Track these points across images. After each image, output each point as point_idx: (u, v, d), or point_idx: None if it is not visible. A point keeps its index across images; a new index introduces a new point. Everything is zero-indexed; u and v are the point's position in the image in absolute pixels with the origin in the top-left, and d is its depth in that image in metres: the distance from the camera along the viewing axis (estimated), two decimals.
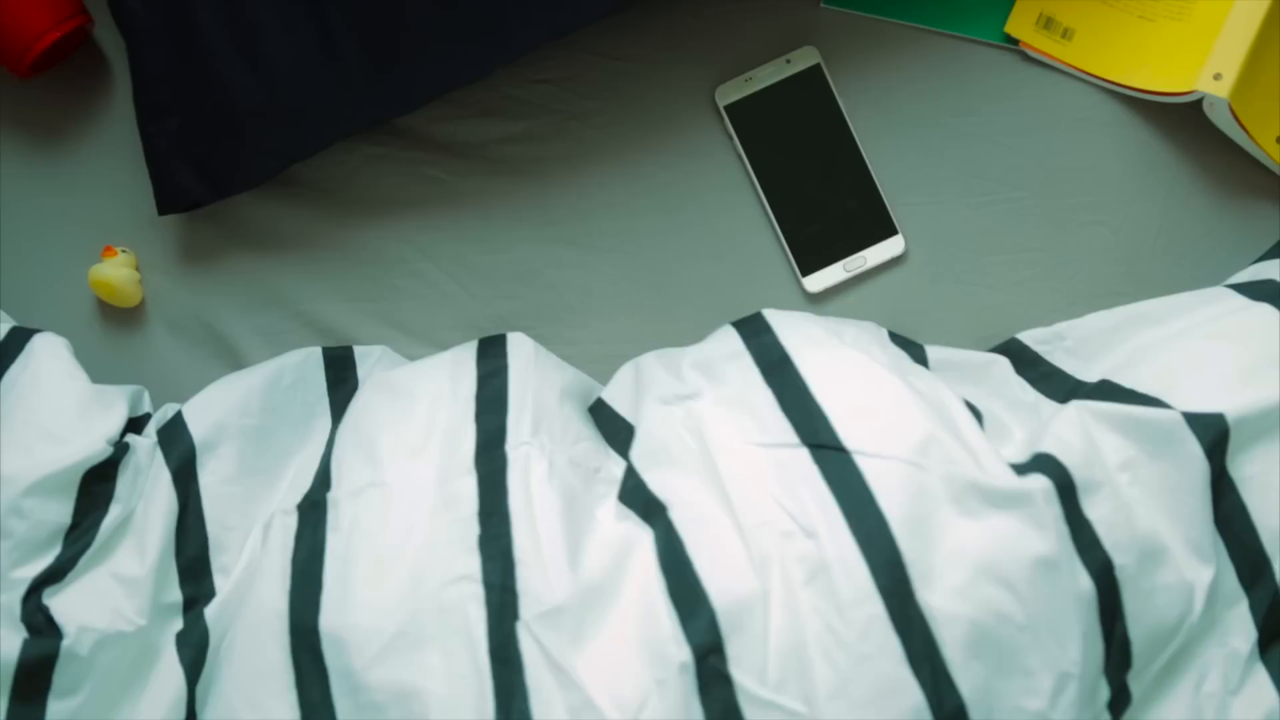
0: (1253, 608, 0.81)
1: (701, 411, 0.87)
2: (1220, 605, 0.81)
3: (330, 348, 0.98)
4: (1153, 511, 0.80)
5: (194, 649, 0.84)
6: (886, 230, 1.01)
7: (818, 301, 1.01)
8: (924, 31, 1.01)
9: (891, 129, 1.01)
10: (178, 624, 0.86)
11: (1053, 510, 0.78)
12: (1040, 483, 0.78)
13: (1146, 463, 0.81)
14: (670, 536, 0.80)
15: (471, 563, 0.80)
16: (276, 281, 1.02)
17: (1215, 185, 1.00)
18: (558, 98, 1.02)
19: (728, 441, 0.84)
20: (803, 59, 1.01)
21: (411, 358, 1.00)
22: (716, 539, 0.79)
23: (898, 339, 0.95)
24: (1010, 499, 0.78)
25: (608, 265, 1.02)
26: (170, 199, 0.99)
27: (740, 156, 1.01)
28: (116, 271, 0.99)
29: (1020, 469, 0.80)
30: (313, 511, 0.86)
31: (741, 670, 0.75)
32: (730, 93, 1.01)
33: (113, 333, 1.02)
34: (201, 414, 0.91)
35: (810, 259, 1.01)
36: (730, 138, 1.01)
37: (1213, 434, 0.80)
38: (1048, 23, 1.00)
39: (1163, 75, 0.97)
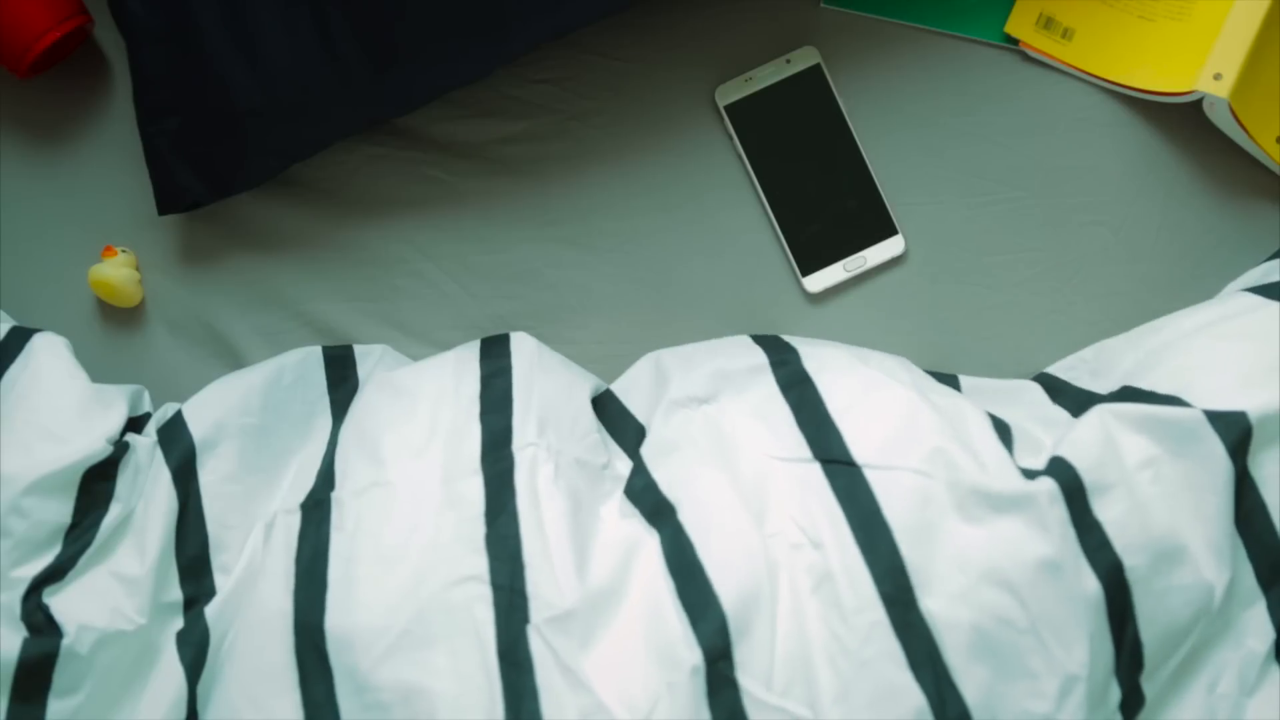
0: (1270, 608, 0.81)
1: (719, 418, 0.87)
2: (1237, 605, 0.81)
3: (330, 347, 0.98)
4: (1173, 510, 0.79)
5: (194, 648, 0.84)
6: (886, 230, 1.01)
7: (818, 302, 1.01)
8: (924, 31, 1.01)
9: (891, 129, 1.01)
10: (178, 623, 0.86)
11: (1057, 512, 0.78)
12: (1045, 485, 0.78)
13: (1168, 461, 0.80)
14: (679, 539, 0.81)
15: (479, 563, 0.80)
16: (276, 281, 1.02)
17: (1215, 185, 1.00)
18: (558, 98, 1.02)
19: (743, 450, 0.85)
20: (803, 59, 1.01)
21: (412, 357, 1.00)
22: (727, 543, 0.80)
23: (934, 375, 0.95)
24: (1014, 503, 0.78)
25: (608, 265, 1.02)
26: (170, 199, 0.99)
27: (740, 156, 1.01)
28: (116, 271, 0.99)
29: (1033, 474, 0.80)
30: (316, 511, 0.86)
31: (748, 675, 0.75)
32: (730, 93, 1.01)
33: (113, 333, 1.02)
34: (201, 413, 0.91)
35: (810, 259, 1.01)
36: (730, 138, 1.01)
37: (1235, 433, 0.80)
38: (1048, 23, 1.00)
39: (1163, 75, 0.97)
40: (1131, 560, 0.78)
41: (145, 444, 0.89)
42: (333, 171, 1.02)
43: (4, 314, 0.98)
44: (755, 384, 0.90)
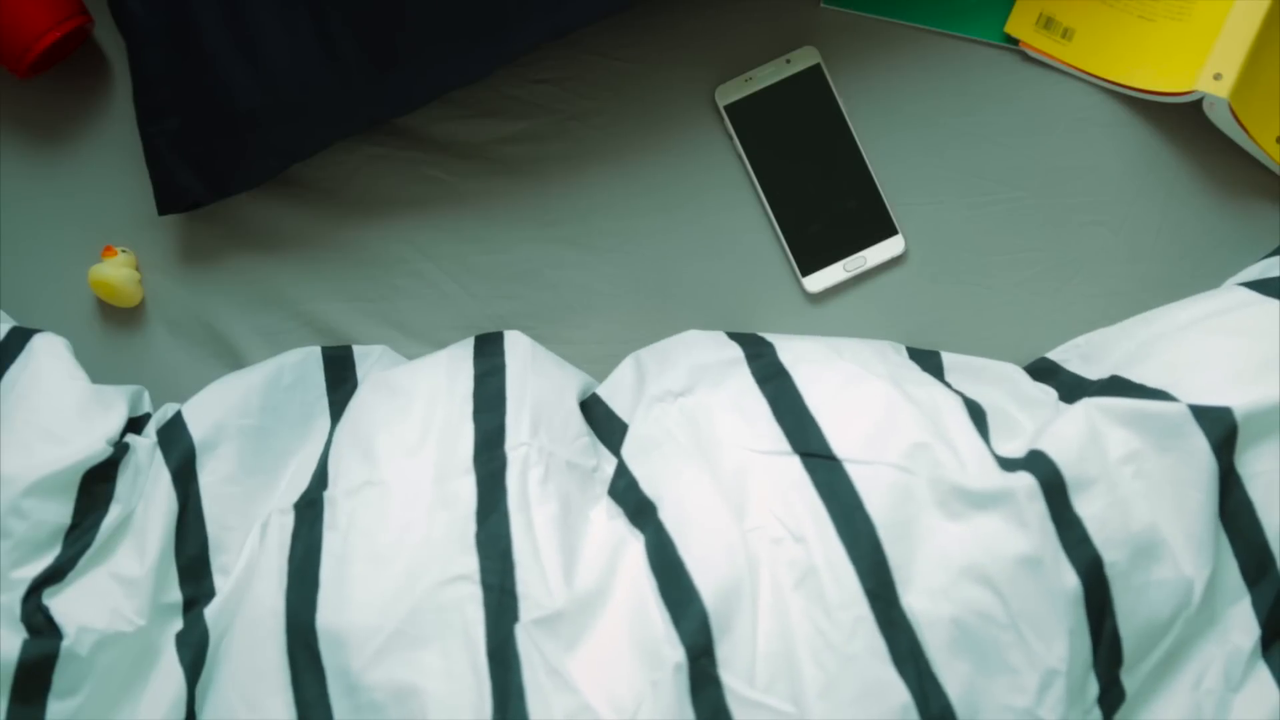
0: (1255, 604, 0.81)
1: (696, 411, 0.87)
2: (1221, 601, 0.81)
3: (330, 347, 0.98)
4: (1154, 505, 0.80)
5: (194, 649, 0.84)
6: (886, 230, 1.01)
7: (818, 302, 1.01)
8: (924, 31, 1.01)
9: (891, 129, 1.01)
10: (177, 624, 0.86)
11: (1036, 508, 0.78)
12: (1024, 481, 0.79)
13: (1151, 456, 0.81)
14: (661, 537, 0.81)
15: (469, 562, 0.80)
16: (276, 281, 1.02)
17: (1215, 185, 1.00)
18: (558, 98, 1.02)
19: (721, 444, 0.85)
20: (803, 59, 1.01)
21: (411, 358, 1.00)
22: (707, 540, 0.80)
23: (915, 352, 0.96)
24: (993, 499, 0.78)
25: (608, 265, 1.02)
26: (170, 199, 0.99)
27: (740, 156, 1.01)
28: (116, 271, 0.99)
29: (1013, 465, 0.81)
30: (309, 510, 0.86)
31: (730, 673, 0.76)
32: (730, 93, 1.01)
33: (113, 333, 1.02)
34: (201, 414, 0.91)
35: (810, 259, 1.01)
36: (730, 138, 1.01)
37: (1220, 429, 0.80)
38: (1048, 23, 1.00)
39: (1163, 75, 0.97)
40: (1111, 556, 0.78)
41: (145, 445, 0.89)
42: (333, 171, 1.02)
43: (4, 314, 0.98)
44: (731, 376, 0.90)
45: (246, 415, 0.92)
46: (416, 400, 0.89)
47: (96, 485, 0.86)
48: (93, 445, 0.86)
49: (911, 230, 1.01)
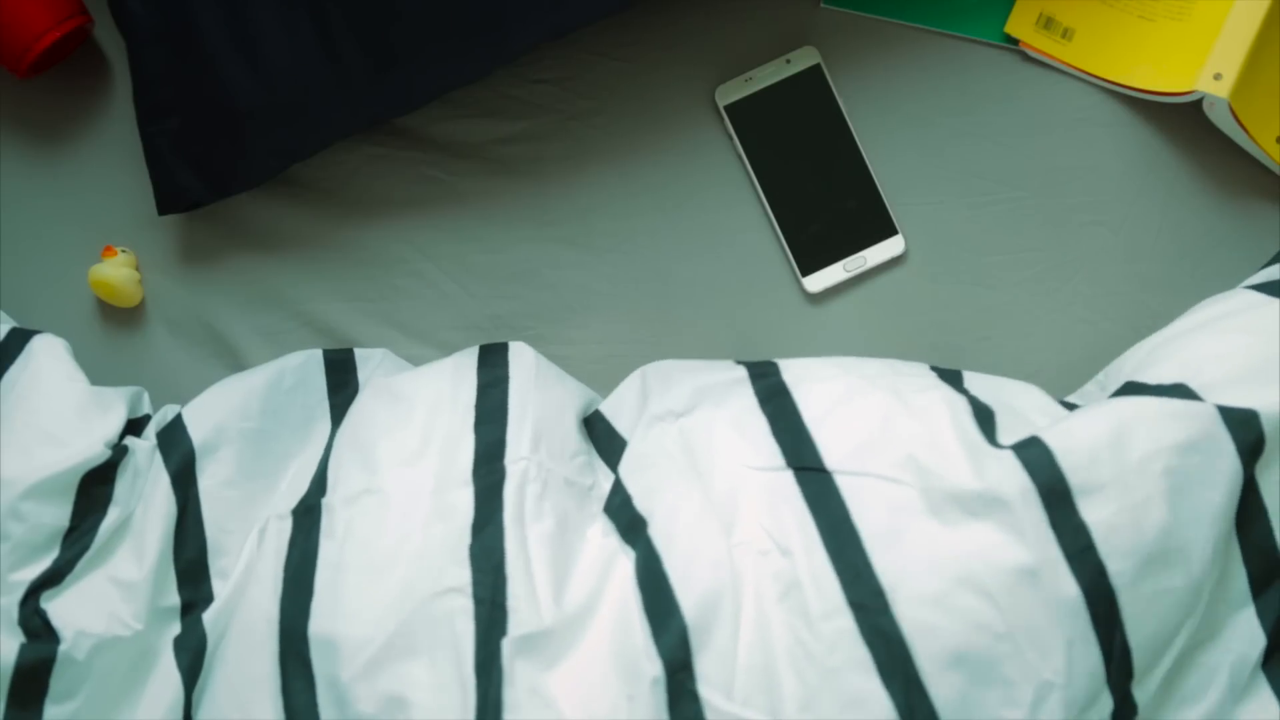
0: (1261, 614, 0.80)
1: (694, 430, 0.87)
2: (1226, 610, 0.80)
3: (331, 350, 0.98)
4: (1175, 507, 0.77)
5: (191, 654, 0.84)
6: (886, 230, 1.01)
7: (818, 302, 1.01)
8: (924, 31, 1.01)
9: (891, 129, 1.01)
10: (175, 628, 0.86)
11: (1033, 515, 0.76)
12: (1017, 483, 0.77)
13: (1180, 454, 0.78)
14: (649, 552, 0.81)
15: (462, 574, 0.80)
16: (276, 281, 1.02)
17: (1215, 185, 1.00)
18: (558, 98, 1.02)
19: (717, 461, 0.84)
20: (803, 59, 1.01)
21: (411, 358, 1.00)
22: (692, 553, 0.80)
23: (939, 372, 0.93)
24: (987, 504, 0.77)
25: (607, 265, 1.02)
26: (170, 199, 0.99)
27: (740, 156, 1.01)
28: (116, 271, 1.00)
29: (1018, 447, 0.79)
30: (307, 517, 0.86)
31: (709, 686, 0.75)
32: (730, 93, 1.01)
33: (113, 333, 1.02)
34: (201, 416, 0.91)
35: (810, 259, 1.01)
36: (730, 138, 1.01)
37: (1246, 433, 0.79)
38: (1048, 23, 0.99)
39: (1163, 75, 0.96)
40: (1117, 565, 0.76)
41: (144, 447, 0.89)
42: (333, 171, 1.02)
43: (4, 315, 0.98)
44: (734, 396, 0.89)
45: (247, 418, 0.92)
46: (418, 408, 0.89)
47: (95, 488, 0.86)
48: (92, 447, 0.86)
49: (911, 230, 1.01)
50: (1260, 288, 0.90)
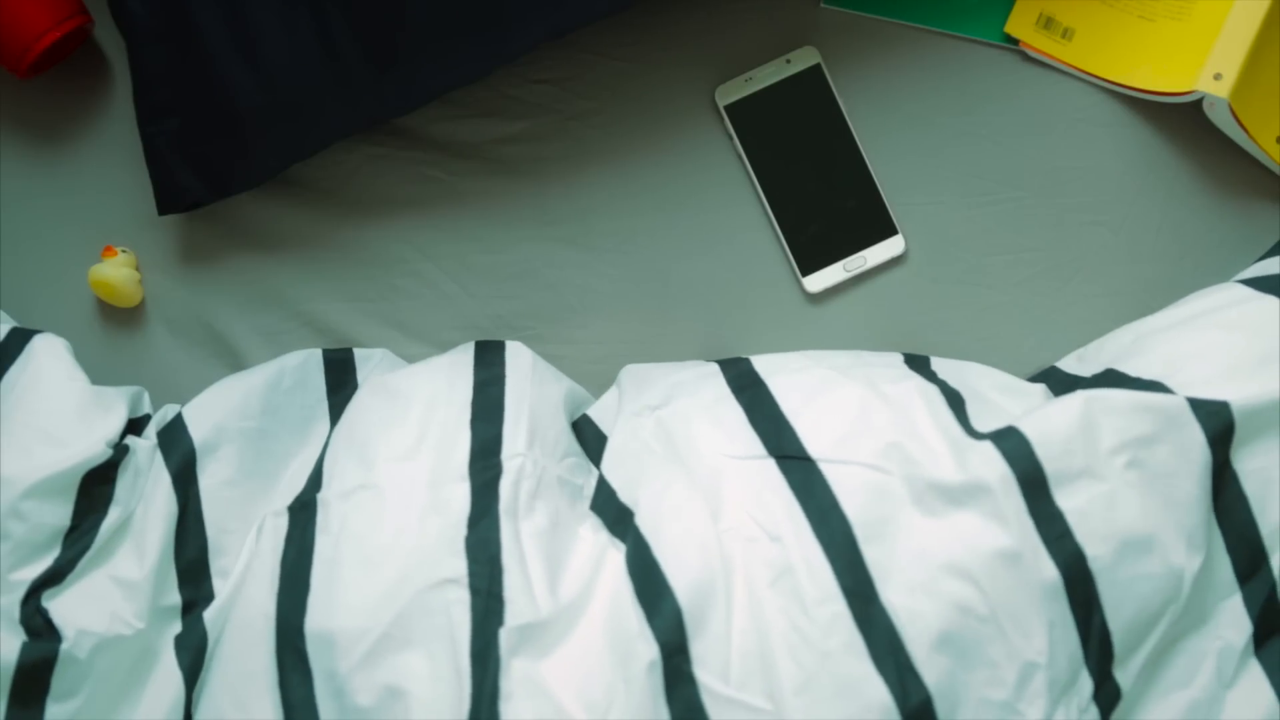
0: (1247, 601, 0.82)
1: (671, 421, 0.87)
2: (1213, 597, 0.82)
3: (330, 350, 0.98)
4: (1144, 497, 0.80)
5: (192, 652, 0.84)
6: (886, 230, 1.01)
7: (818, 302, 1.01)
8: (924, 31, 1.01)
9: (891, 129, 1.01)
10: (176, 627, 0.86)
11: (1013, 502, 0.78)
12: (998, 472, 0.79)
13: (1146, 446, 0.80)
14: (638, 541, 0.81)
15: (458, 566, 0.80)
16: (276, 281, 1.02)
17: (1215, 185, 1.00)
18: (558, 98, 1.02)
19: (696, 450, 0.85)
20: (803, 59, 1.01)
21: (411, 358, 1.00)
22: (681, 539, 0.80)
23: (908, 358, 0.95)
24: (969, 493, 0.78)
25: (607, 265, 1.02)
26: (170, 199, 0.99)
27: (740, 156, 1.01)
28: (116, 271, 1.00)
29: (990, 437, 0.80)
30: (303, 513, 0.86)
31: (705, 669, 0.76)
32: (730, 93, 1.01)
33: (113, 333, 1.02)
34: (201, 416, 0.91)
35: (810, 259, 1.01)
36: (730, 138, 1.01)
37: (1217, 423, 0.80)
38: (1048, 23, 1.00)
39: (1163, 75, 0.97)
40: (1094, 550, 0.78)
41: (145, 447, 0.90)
42: (333, 171, 1.02)
43: (4, 315, 0.98)
44: (706, 387, 0.90)
45: (247, 417, 0.92)
46: (414, 405, 0.89)
47: (96, 487, 0.87)
48: (92, 447, 0.86)
49: (911, 230, 1.01)
50: (1251, 282, 0.90)
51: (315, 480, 0.88)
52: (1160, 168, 1.00)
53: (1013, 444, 0.80)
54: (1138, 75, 0.98)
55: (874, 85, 1.01)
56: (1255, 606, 0.81)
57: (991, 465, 0.79)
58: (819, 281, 1.01)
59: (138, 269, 1.02)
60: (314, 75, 0.93)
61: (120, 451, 0.88)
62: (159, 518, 0.86)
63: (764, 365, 0.91)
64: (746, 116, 1.01)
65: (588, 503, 0.88)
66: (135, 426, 0.93)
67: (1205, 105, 0.96)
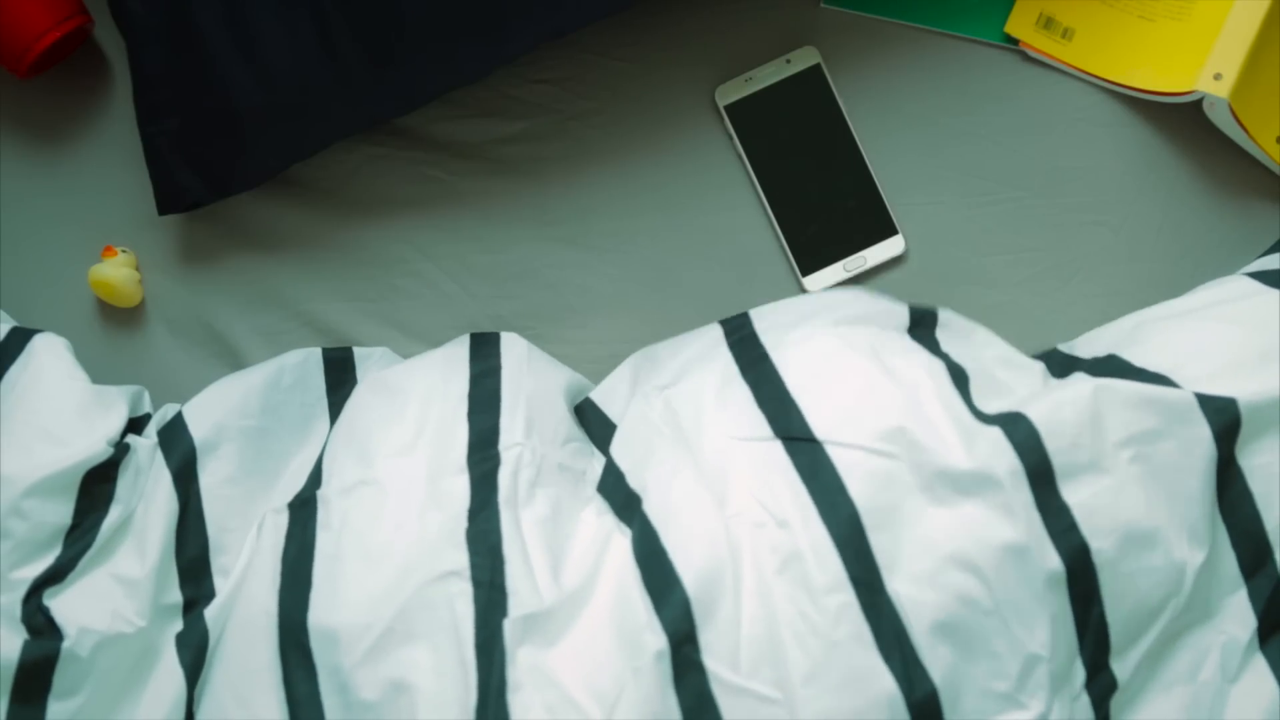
0: (1252, 596, 0.82)
1: (678, 403, 0.87)
2: (1218, 592, 0.82)
3: (330, 349, 0.98)
4: (1149, 491, 0.80)
5: (194, 650, 0.84)
6: (886, 230, 1.01)
7: None
8: (924, 31, 1.01)
9: (891, 129, 1.01)
10: (178, 625, 0.86)
11: (1021, 496, 0.78)
12: (1006, 463, 0.78)
13: (1152, 441, 0.80)
14: (645, 528, 0.81)
15: (459, 558, 0.80)
16: (276, 281, 1.02)
17: (1215, 185, 1.00)
18: (558, 98, 1.02)
19: (703, 432, 0.85)
20: (803, 59, 1.01)
21: (411, 358, 1.00)
22: (689, 527, 0.80)
23: (916, 316, 0.94)
24: (977, 483, 0.78)
25: (607, 265, 1.02)
26: (170, 199, 0.99)
27: (740, 156, 1.01)
28: (116, 271, 0.99)
29: (1005, 423, 0.80)
30: (303, 509, 0.86)
31: (714, 658, 0.76)
32: (730, 93, 1.01)
33: (113, 333, 1.02)
34: (202, 415, 0.92)
35: (810, 259, 1.01)
36: (730, 138, 1.01)
37: (1224, 419, 0.81)
38: (1048, 23, 1.00)
39: (1163, 75, 0.97)
40: (1099, 543, 0.78)
41: (146, 445, 0.90)
42: (333, 171, 1.02)
43: (4, 314, 0.98)
44: (713, 364, 0.90)
45: (247, 416, 0.92)
46: (412, 400, 0.89)
47: (97, 486, 0.87)
48: (93, 446, 0.86)
49: (911, 230, 1.01)
50: (1258, 276, 0.90)
51: (315, 477, 0.89)
52: (1160, 168, 1.00)
53: (1022, 434, 0.80)
54: (1138, 75, 0.98)
55: (874, 85, 1.01)
56: (1260, 601, 0.81)
57: (1001, 455, 0.79)
58: (819, 281, 1.01)
59: (138, 269, 1.02)
60: (314, 75, 0.93)
61: (121, 450, 0.88)
62: (160, 516, 0.86)
63: (767, 334, 0.90)
64: (747, 116, 1.01)
65: (590, 487, 0.88)
66: (136, 426, 0.93)
67: (1205, 105, 0.96)
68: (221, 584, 0.87)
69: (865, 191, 1.01)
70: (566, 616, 0.79)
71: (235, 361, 1.01)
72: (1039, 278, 1.00)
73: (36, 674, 0.81)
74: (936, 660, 0.76)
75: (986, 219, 1.01)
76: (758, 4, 1.02)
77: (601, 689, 0.76)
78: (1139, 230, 1.00)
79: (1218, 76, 0.93)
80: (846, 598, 0.76)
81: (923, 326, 0.92)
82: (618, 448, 0.89)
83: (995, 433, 0.80)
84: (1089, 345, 0.93)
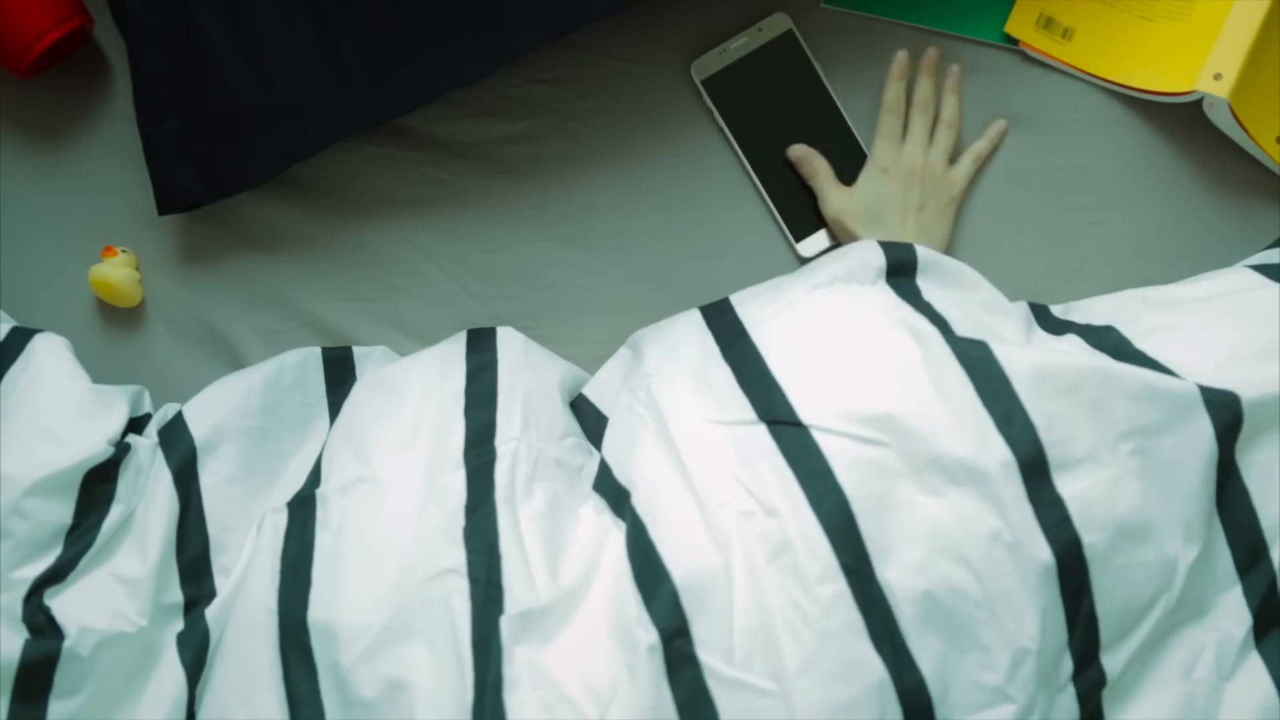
0: (1247, 593, 0.82)
1: (659, 389, 0.87)
2: (1212, 589, 0.82)
3: (330, 348, 0.98)
4: (1145, 485, 0.79)
5: (194, 650, 0.84)
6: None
7: None
8: (924, 31, 1.01)
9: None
10: (178, 625, 0.86)
11: (1013, 489, 0.77)
12: (999, 457, 0.77)
13: (1153, 435, 0.80)
14: (635, 523, 0.81)
15: (457, 555, 0.80)
16: (276, 281, 1.02)
17: (1215, 185, 1.00)
18: (558, 98, 1.02)
19: (686, 419, 0.84)
20: (774, 26, 1.01)
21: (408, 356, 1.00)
22: (677, 520, 0.80)
23: (894, 264, 0.91)
24: (968, 473, 0.77)
25: (607, 265, 1.02)
26: (170, 199, 0.99)
27: (721, 129, 1.01)
28: (116, 271, 1.00)
29: (1000, 417, 0.79)
30: (302, 508, 0.86)
31: (707, 651, 0.75)
32: (706, 67, 1.01)
33: (113, 333, 1.02)
34: (202, 414, 0.92)
35: (801, 224, 1.02)
36: (710, 112, 1.01)
37: (1226, 416, 0.80)
38: (1048, 23, 1.00)
39: (1163, 75, 0.97)
40: (1091, 537, 0.77)
41: (146, 445, 0.90)
42: (333, 171, 1.02)
43: (4, 314, 0.98)
44: (695, 349, 0.89)
45: (247, 416, 0.92)
46: (409, 397, 0.90)
47: (97, 485, 0.86)
48: (94, 445, 0.86)
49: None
50: (1261, 269, 0.90)
51: (315, 476, 0.89)
52: (1160, 168, 1.00)
53: (1017, 428, 0.79)
54: (1138, 75, 0.98)
55: (874, 85, 1.01)
56: (1255, 599, 0.81)
57: (993, 448, 0.78)
58: (812, 246, 1.02)
59: (138, 269, 1.02)
60: (314, 76, 0.93)
61: (121, 450, 0.88)
62: (160, 515, 0.86)
63: (747, 314, 0.90)
64: (725, 88, 1.01)
65: (587, 483, 0.88)
66: (136, 425, 0.93)
67: (1205, 105, 0.96)
68: (222, 583, 0.87)
69: (848, 148, 1.01)
70: (563, 613, 0.79)
71: (235, 361, 1.01)
72: (1039, 278, 1.00)
73: (37, 673, 0.81)
74: (925, 651, 0.75)
75: (987, 219, 1.01)
76: (758, 5, 1.02)
77: (597, 686, 0.76)
78: (1139, 230, 1.00)
79: (1218, 76, 0.93)
80: (838, 587, 0.75)
81: (902, 274, 0.90)
82: (607, 442, 0.89)
83: (987, 422, 0.79)
84: (1085, 312, 0.92)
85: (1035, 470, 0.78)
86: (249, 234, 1.02)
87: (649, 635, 0.75)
